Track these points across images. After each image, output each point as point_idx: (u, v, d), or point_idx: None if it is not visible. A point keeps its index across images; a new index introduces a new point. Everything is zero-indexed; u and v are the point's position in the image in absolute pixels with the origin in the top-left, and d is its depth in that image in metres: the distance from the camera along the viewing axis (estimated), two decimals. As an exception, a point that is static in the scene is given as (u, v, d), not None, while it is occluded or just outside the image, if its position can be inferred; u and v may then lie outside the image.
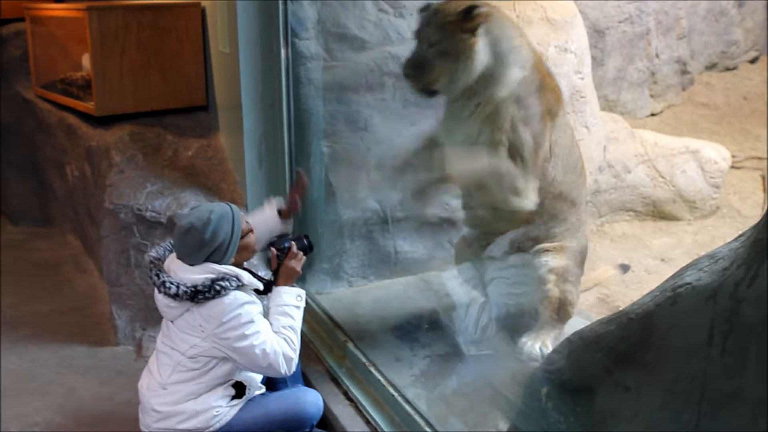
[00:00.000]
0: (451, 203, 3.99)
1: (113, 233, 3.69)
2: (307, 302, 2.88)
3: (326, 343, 3.41)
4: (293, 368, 2.62)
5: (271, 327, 2.60)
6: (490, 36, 2.80)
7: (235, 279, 2.51)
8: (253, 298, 2.60)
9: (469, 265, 3.42)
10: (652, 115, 6.56)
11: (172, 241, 2.71)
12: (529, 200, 2.95)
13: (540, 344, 3.17)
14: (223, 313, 2.49)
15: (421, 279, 4.03)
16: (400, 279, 4.02)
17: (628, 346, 2.13)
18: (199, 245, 2.52)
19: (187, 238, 2.53)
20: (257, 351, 2.52)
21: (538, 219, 3.09)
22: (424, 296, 3.85)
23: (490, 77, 2.83)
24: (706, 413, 1.89)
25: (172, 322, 2.61)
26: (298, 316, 2.68)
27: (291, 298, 2.68)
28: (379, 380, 2.94)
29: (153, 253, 2.70)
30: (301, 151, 3.82)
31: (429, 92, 2.90)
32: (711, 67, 6.99)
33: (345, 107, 3.81)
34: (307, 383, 3.09)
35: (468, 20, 2.74)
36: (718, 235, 4.84)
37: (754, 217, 5.07)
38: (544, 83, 3.00)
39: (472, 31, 2.76)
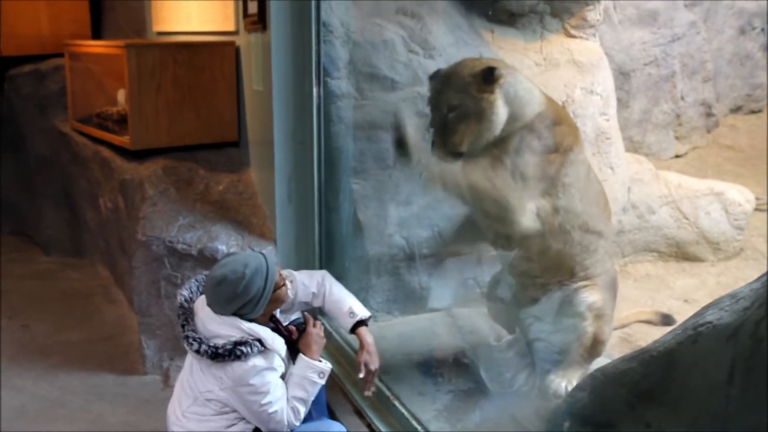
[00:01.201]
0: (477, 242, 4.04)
1: (145, 264, 3.77)
2: (331, 335, 2.93)
3: (351, 376, 3.46)
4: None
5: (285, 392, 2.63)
6: (507, 90, 2.89)
7: (257, 344, 2.53)
8: (273, 363, 2.59)
9: (499, 302, 3.46)
10: (677, 156, 6.59)
11: (204, 277, 2.77)
12: (525, 218, 2.98)
13: (566, 382, 3.20)
14: (242, 379, 2.53)
15: (446, 315, 4.07)
16: (425, 315, 4.07)
17: (649, 384, 2.16)
18: (230, 298, 2.55)
19: (219, 289, 2.55)
20: (265, 417, 2.57)
21: (568, 250, 3.13)
22: (448, 332, 3.89)
23: (508, 123, 2.92)
24: (727, 452, 1.91)
25: (196, 360, 2.66)
26: (314, 391, 2.68)
27: (314, 374, 2.66)
28: (403, 414, 2.98)
29: (185, 292, 2.74)
30: (331, 188, 3.90)
31: (455, 155, 2.95)
32: (736, 110, 7.02)
33: (374, 145, 3.89)
34: (332, 415, 3.13)
35: (489, 81, 2.84)
36: (742, 276, 4.84)
37: (779, 260, 5.10)
38: (559, 120, 3.07)
39: (492, 90, 2.85)
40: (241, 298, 2.54)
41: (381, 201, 3.91)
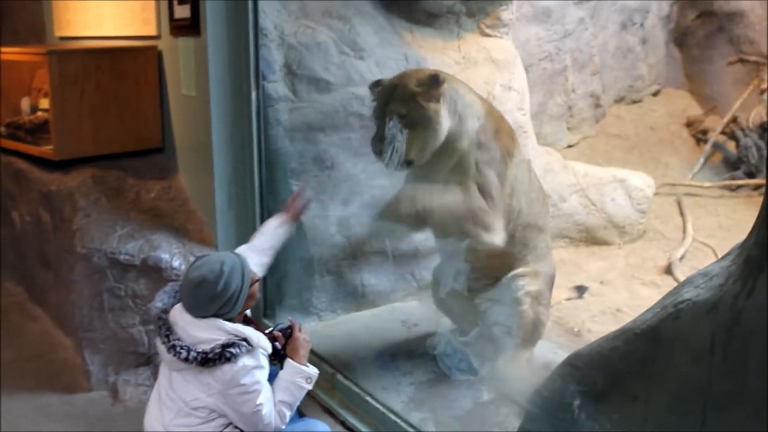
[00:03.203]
0: (415, 237, 4.16)
1: (85, 277, 3.66)
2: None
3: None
4: None
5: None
6: (449, 99, 3.05)
7: (244, 344, 2.54)
8: (261, 361, 2.60)
9: (444, 294, 3.59)
10: (570, 146, 6.95)
11: (176, 288, 2.74)
12: (498, 236, 3.18)
13: (515, 366, 3.38)
14: (232, 380, 2.53)
15: (388, 310, 4.17)
16: (367, 312, 4.15)
17: (635, 359, 2.33)
18: (211, 298, 2.55)
19: (199, 290, 2.55)
20: (255, 418, 2.58)
21: (511, 249, 3.30)
22: (393, 326, 3.99)
23: (453, 135, 3.07)
24: (710, 415, 2.10)
25: (176, 371, 2.63)
26: (300, 396, 2.71)
27: (301, 379, 2.68)
28: (377, 408, 3.05)
29: (158, 303, 2.70)
30: (271, 191, 3.91)
31: (403, 164, 3.05)
32: (619, 100, 7.47)
33: (312, 147, 3.94)
34: (301, 416, 3.16)
35: (435, 89, 2.98)
36: (647, 257, 5.20)
37: (677, 239, 5.51)
38: (499, 128, 3.27)
39: (438, 99, 2.99)
40: (222, 296, 2.55)
41: (321, 201, 3.96)
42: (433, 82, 2.98)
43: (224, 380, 2.53)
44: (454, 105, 3.07)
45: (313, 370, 2.71)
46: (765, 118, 6.54)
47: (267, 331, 2.75)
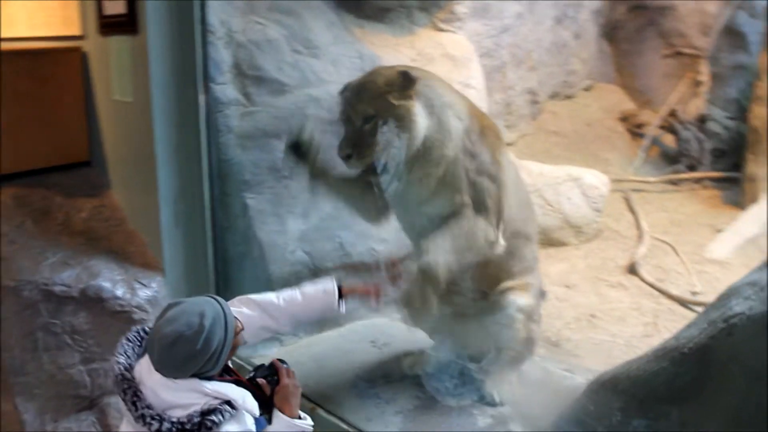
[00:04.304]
0: (377, 248, 3.85)
1: (15, 314, 3.17)
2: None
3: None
4: None
5: None
6: (425, 97, 2.77)
7: (227, 409, 2.11)
8: (246, 425, 2.18)
9: (419, 311, 3.28)
10: (508, 145, 6.77)
11: (141, 335, 2.32)
12: (499, 246, 2.93)
13: (503, 387, 3.12)
14: None
15: (354, 329, 3.84)
16: (331, 332, 3.81)
17: (684, 382, 2.10)
18: (188, 358, 2.10)
19: (174, 350, 2.09)
20: None
21: (498, 259, 3.03)
22: (363, 347, 3.66)
23: (434, 139, 2.78)
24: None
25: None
26: None
27: None
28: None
29: (121, 359, 2.21)
30: (223, 205, 3.52)
31: (371, 169, 2.78)
32: (554, 96, 7.34)
33: (267, 155, 3.56)
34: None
35: (406, 86, 2.71)
36: (607, 257, 5.04)
37: (632, 237, 5.37)
38: (483, 125, 2.98)
39: (410, 97, 2.72)
40: (201, 355, 2.10)
41: (279, 215, 3.60)
42: (405, 79, 2.71)
43: None
44: (431, 104, 2.78)
45: (307, 424, 2.28)
46: (703, 111, 6.52)
47: (247, 378, 2.34)
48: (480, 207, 2.87)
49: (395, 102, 2.70)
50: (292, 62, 3.63)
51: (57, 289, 3.19)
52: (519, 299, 3.06)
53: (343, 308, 2.61)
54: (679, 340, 2.18)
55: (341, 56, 3.86)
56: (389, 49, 4.19)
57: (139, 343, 2.27)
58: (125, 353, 2.21)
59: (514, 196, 3.07)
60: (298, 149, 2.98)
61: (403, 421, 3.03)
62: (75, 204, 3.70)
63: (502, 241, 2.92)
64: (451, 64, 4.31)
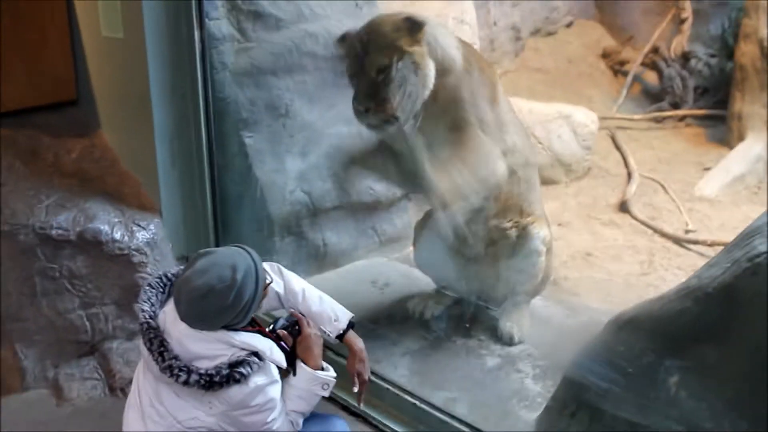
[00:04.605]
0: (375, 187, 3.79)
1: (11, 259, 3.08)
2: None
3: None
4: None
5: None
6: (430, 40, 2.71)
7: (255, 361, 2.08)
8: (273, 375, 2.16)
9: (431, 248, 3.26)
10: (493, 82, 6.70)
11: (164, 282, 2.24)
12: (501, 167, 2.88)
13: (520, 325, 3.13)
14: (242, 402, 2.08)
15: (353, 269, 3.81)
16: (331, 273, 3.77)
17: (708, 321, 2.10)
18: (219, 311, 2.06)
19: (205, 302, 2.04)
20: (275, 427, 2.15)
21: (517, 189, 3.02)
22: (364, 288, 3.63)
23: (439, 70, 2.72)
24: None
25: (165, 383, 2.16)
26: (315, 403, 2.28)
27: (317, 386, 2.22)
28: (388, 389, 2.72)
29: (146, 306, 2.14)
30: (221, 144, 3.44)
31: (391, 121, 2.69)
32: (535, 32, 7.25)
33: (264, 92, 3.47)
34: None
35: (414, 30, 2.64)
36: (597, 195, 5.05)
37: (621, 174, 5.38)
38: (481, 61, 2.99)
39: (420, 42, 2.66)
40: (233, 309, 2.06)
41: (277, 154, 3.52)
42: (413, 25, 2.65)
43: (232, 403, 2.06)
44: (435, 49, 2.72)
45: (330, 375, 2.24)
46: (686, 48, 6.49)
47: (269, 329, 2.29)
48: (484, 128, 2.85)
49: (408, 48, 2.63)
50: (288, -4, 3.51)
51: (54, 232, 3.09)
52: (542, 230, 3.06)
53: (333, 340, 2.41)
54: (701, 279, 2.16)
55: (336, -10, 3.74)
56: (381, -16, 4.08)
57: (162, 290, 2.21)
58: (149, 300, 2.16)
59: (515, 125, 3.06)
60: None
61: (411, 362, 3.02)
62: (64, 144, 3.57)
63: (503, 164, 2.87)
64: (444, 2, 4.21)
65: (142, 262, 3.21)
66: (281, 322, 2.28)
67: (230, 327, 2.10)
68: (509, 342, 3.09)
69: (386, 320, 3.34)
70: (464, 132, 2.81)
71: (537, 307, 3.35)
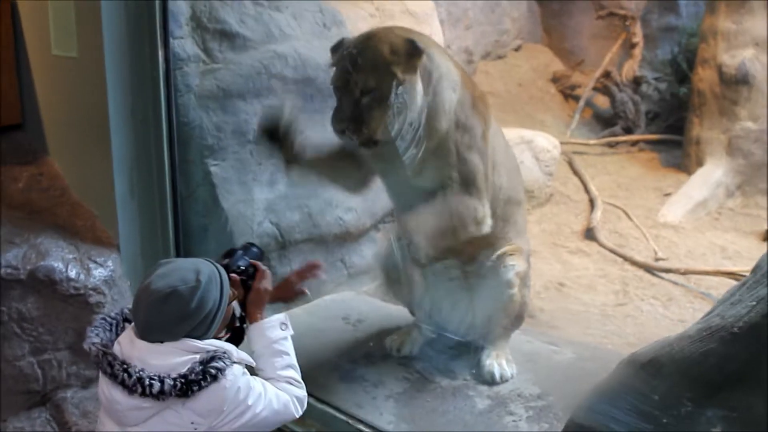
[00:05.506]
0: (344, 218, 3.61)
1: (-48, 302, 2.78)
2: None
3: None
4: (305, 405, 2.12)
5: (267, 376, 2.08)
6: (426, 69, 2.52)
7: (227, 356, 1.91)
8: (243, 368, 1.99)
9: (400, 282, 3.08)
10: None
11: (110, 321, 2.04)
12: (486, 226, 2.75)
13: (502, 362, 2.98)
14: (225, 401, 1.89)
15: (323, 304, 3.60)
16: (298, 309, 3.55)
17: (736, 364, 1.99)
18: (182, 316, 1.89)
19: (167, 306, 1.87)
20: (264, 415, 1.98)
21: (493, 227, 2.87)
22: (336, 325, 3.42)
23: (429, 112, 2.55)
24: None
25: (133, 427, 1.94)
26: (291, 346, 2.17)
27: (276, 331, 2.14)
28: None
29: (95, 339, 1.95)
30: (184, 172, 3.20)
31: (370, 144, 2.51)
32: (486, 56, 7.23)
33: (231, 117, 3.26)
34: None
35: (412, 57, 2.45)
36: (561, 222, 4.98)
37: (582, 201, 5.33)
38: (474, 95, 2.79)
39: (415, 70, 2.47)
40: (196, 315, 1.90)
41: (244, 183, 3.31)
42: (412, 49, 2.44)
43: (214, 406, 1.88)
44: (429, 76, 2.54)
45: (280, 317, 2.17)
46: (637, 73, 6.53)
47: (224, 263, 2.16)
48: (469, 183, 2.69)
49: (400, 76, 2.43)
50: (255, 15, 3.33)
51: (2, 271, 2.80)
52: (515, 263, 2.92)
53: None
54: (725, 318, 2.05)
55: (303, 10, 3.56)
56: (348, 4, 3.93)
57: (109, 328, 2.02)
58: (96, 334, 1.98)
59: (504, 163, 2.91)
60: (274, 135, 2.69)
61: (396, 406, 2.81)
62: (9, 172, 3.28)
63: (489, 221, 2.74)
64: (412, 21, 4.09)
65: (100, 302, 2.93)
66: (242, 261, 2.23)
67: (192, 338, 1.92)
68: (491, 381, 2.93)
69: (364, 360, 3.14)
70: (448, 189, 2.66)
71: (520, 342, 3.21)
